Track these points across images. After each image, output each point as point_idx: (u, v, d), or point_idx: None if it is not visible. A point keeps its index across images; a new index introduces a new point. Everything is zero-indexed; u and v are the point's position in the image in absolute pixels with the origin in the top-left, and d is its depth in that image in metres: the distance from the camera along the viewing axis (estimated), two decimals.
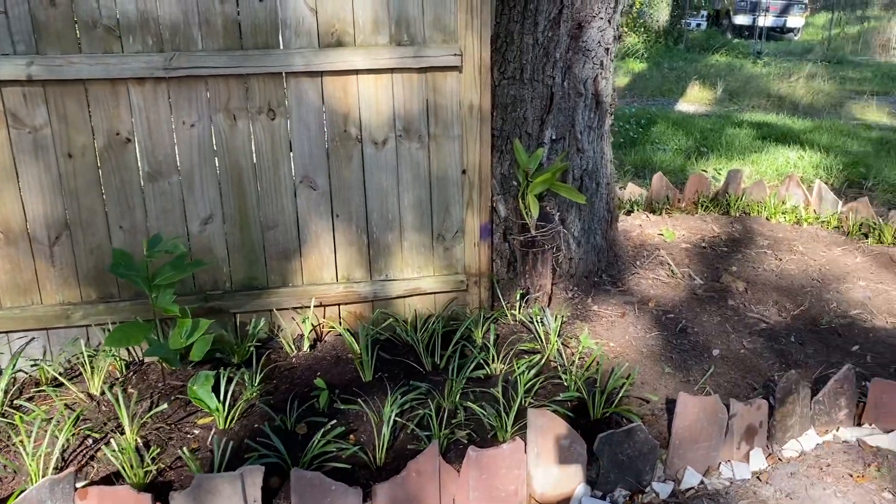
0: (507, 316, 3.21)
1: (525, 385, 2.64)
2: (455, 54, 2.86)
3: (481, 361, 2.83)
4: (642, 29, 14.25)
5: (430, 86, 2.91)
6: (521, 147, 3.12)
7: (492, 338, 2.94)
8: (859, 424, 2.68)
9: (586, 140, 3.40)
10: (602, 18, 3.23)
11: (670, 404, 2.64)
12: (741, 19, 17.34)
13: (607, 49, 3.34)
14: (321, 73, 2.80)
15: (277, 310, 3.01)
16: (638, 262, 3.90)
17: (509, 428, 2.44)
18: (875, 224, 4.51)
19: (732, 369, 2.93)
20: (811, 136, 7.27)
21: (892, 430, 2.60)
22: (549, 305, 3.26)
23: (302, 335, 3.01)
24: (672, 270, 3.81)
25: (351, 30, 2.79)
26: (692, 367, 2.93)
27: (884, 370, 2.95)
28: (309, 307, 3.01)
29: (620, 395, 2.64)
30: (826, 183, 5.90)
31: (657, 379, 2.85)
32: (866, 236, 4.50)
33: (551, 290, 3.39)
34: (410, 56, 2.83)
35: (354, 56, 2.78)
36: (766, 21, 16.40)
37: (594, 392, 2.60)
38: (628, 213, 4.79)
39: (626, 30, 14.15)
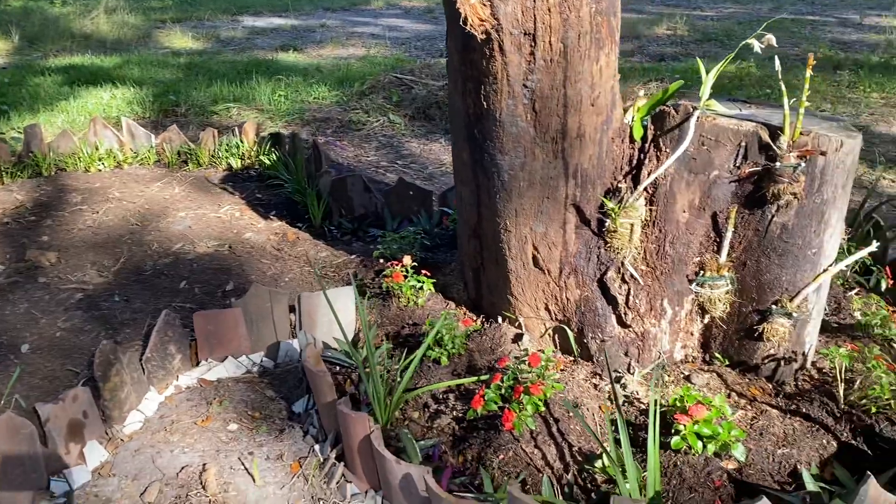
0: None
1: None
2: None
3: None
4: None
5: None
6: None
7: None
8: (198, 364, 2.54)
9: None
10: None
11: None
12: None
13: None
14: None
15: None
16: None
17: None
18: (191, 150, 4.48)
19: (49, 360, 2.47)
20: (123, 72, 6.94)
21: (226, 358, 2.54)
22: None
23: None
24: None
25: None
26: None
27: (212, 297, 2.89)
28: None
29: None
30: (142, 117, 5.70)
31: None
32: (186, 163, 4.45)
33: None
34: None
35: None
36: None
37: None
38: None
39: None
